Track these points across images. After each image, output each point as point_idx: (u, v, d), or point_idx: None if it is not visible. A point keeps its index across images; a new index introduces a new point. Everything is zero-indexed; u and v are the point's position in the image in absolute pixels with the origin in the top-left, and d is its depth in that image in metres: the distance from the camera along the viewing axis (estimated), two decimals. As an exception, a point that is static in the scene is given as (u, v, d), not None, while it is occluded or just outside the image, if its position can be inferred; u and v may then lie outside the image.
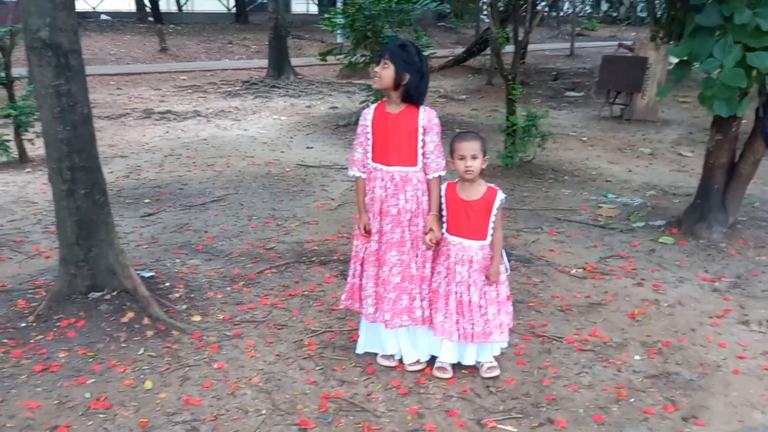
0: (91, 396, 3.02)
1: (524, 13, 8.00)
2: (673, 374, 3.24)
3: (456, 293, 3.07)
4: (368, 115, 3.11)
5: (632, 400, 3.03)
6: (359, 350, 3.34)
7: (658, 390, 3.11)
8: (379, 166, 3.08)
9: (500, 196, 3.06)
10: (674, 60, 4.68)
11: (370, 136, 3.09)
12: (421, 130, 3.02)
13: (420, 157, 3.04)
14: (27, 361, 3.28)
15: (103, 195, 3.72)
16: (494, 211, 3.04)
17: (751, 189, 5.44)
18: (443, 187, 3.11)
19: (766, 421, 2.91)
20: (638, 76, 9.75)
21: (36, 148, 7.20)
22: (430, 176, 3.06)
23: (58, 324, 3.53)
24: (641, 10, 29.69)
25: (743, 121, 4.94)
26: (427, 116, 3.03)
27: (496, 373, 3.18)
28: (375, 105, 3.16)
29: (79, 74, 3.47)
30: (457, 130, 9.03)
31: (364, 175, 3.16)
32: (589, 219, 5.59)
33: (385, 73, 2.99)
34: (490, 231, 3.06)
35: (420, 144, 3.03)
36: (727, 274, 4.43)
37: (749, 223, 5.25)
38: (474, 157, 2.96)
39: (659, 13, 12.92)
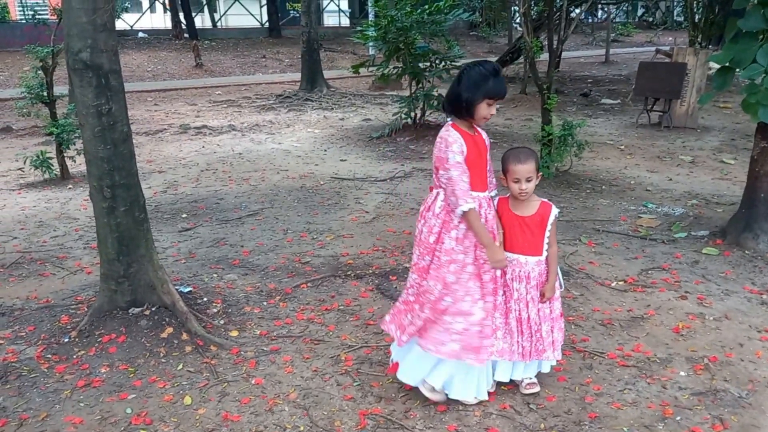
0: (132, 411, 3.05)
1: (558, 21, 7.93)
2: (721, 391, 3.13)
3: (515, 310, 3.02)
4: (463, 143, 2.80)
5: (678, 418, 2.94)
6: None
7: (705, 408, 3.01)
8: (478, 194, 2.88)
9: (554, 211, 3.00)
10: (714, 65, 4.57)
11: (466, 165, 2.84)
12: (488, 150, 2.96)
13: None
14: (70, 376, 3.33)
15: (142, 211, 3.77)
16: (549, 227, 3.00)
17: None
18: (494, 201, 3.02)
19: (822, 441, 2.80)
20: (677, 82, 9.57)
21: (77, 165, 7.39)
22: (495, 194, 3.01)
23: (99, 339, 3.59)
24: (678, 15, 29.25)
25: (789, 128, 4.79)
26: (486, 135, 2.97)
27: (536, 389, 3.11)
28: (454, 130, 2.83)
29: (119, 94, 3.54)
30: (504, 145, 8.96)
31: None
32: (629, 230, 5.47)
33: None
34: (545, 246, 3.01)
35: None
36: (776, 286, 4.29)
37: (797, 233, 5.07)
38: (528, 180, 2.89)
39: (697, 17, 12.67)
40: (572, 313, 3.95)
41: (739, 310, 3.97)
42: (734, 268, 4.61)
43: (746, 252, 4.83)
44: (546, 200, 3.03)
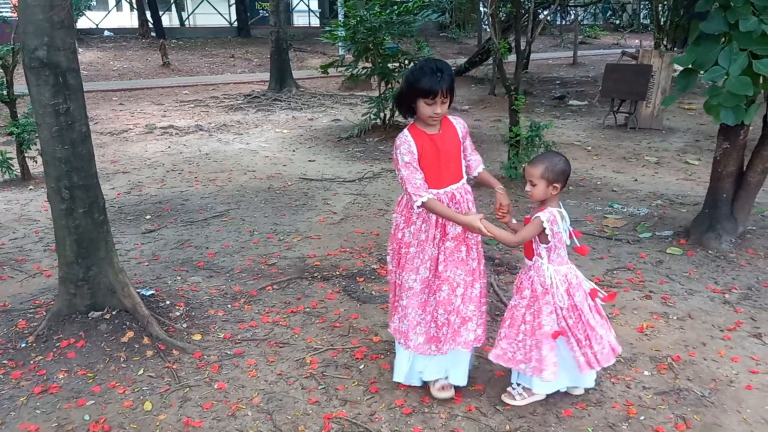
0: (91, 418, 2.96)
1: (526, 23, 7.98)
2: (684, 390, 3.16)
3: None
4: (411, 144, 2.82)
5: (642, 417, 2.96)
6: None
7: (668, 407, 3.03)
8: (435, 191, 2.86)
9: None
10: (679, 67, 4.62)
11: (417, 164, 2.82)
12: (462, 140, 2.96)
13: (464, 167, 2.99)
14: (26, 382, 3.24)
15: (102, 213, 3.68)
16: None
17: (760, 197, 5.34)
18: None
19: (782, 438, 2.83)
20: (642, 84, 9.70)
21: (38, 165, 7.18)
22: (478, 171, 3.06)
23: (57, 344, 3.49)
24: (644, 17, 29.75)
25: (750, 129, 4.87)
26: (461, 123, 2.97)
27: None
28: (407, 132, 2.86)
29: (78, 93, 3.44)
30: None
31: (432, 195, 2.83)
32: (595, 230, 5.51)
33: (445, 108, 2.80)
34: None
35: (462, 154, 2.97)
36: (738, 286, 4.35)
37: (759, 233, 5.16)
38: (532, 184, 2.92)
39: (663, 20, 12.88)
40: (539, 314, 3.96)
41: (702, 310, 4.02)
42: (697, 267, 4.67)
43: (709, 252, 4.90)
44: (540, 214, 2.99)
